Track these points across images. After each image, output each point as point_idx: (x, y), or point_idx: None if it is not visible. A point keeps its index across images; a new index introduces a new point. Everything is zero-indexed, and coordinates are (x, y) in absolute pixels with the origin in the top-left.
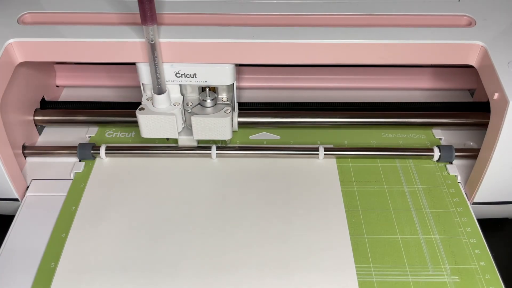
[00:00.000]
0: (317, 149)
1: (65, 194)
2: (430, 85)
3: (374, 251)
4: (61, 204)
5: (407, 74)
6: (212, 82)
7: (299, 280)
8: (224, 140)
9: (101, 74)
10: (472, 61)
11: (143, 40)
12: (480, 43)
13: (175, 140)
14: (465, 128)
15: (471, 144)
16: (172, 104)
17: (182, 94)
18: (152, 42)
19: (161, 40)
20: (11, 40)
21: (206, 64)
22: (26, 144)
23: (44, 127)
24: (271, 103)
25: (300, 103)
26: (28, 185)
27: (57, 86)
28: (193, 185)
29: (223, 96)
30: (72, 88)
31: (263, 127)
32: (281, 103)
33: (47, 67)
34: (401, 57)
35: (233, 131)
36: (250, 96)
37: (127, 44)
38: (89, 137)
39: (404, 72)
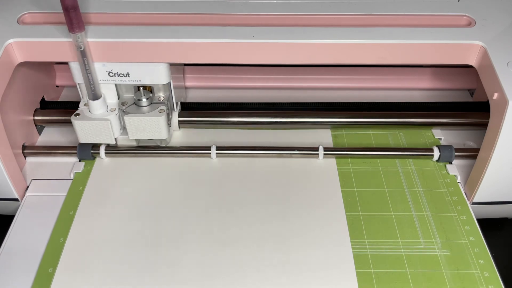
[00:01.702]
0: (317, 149)
1: (65, 194)
2: (430, 85)
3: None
4: (61, 204)
5: (407, 74)
6: (146, 81)
7: (296, 255)
8: (164, 139)
9: None
10: (472, 61)
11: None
12: (479, 43)
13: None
14: (465, 128)
15: (471, 144)
16: (108, 109)
17: (118, 95)
18: (81, 49)
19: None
20: (11, 40)
21: (140, 63)
22: (26, 144)
23: (44, 127)
24: (271, 103)
25: (300, 103)
26: (28, 185)
27: (57, 86)
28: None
29: (159, 95)
30: (72, 88)
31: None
32: (281, 103)
33: (47, 67)
34: (401, 57)
35: (174, 131)
36: (250, 96)
37: (127, 44)
38: None
39: (404, 72)
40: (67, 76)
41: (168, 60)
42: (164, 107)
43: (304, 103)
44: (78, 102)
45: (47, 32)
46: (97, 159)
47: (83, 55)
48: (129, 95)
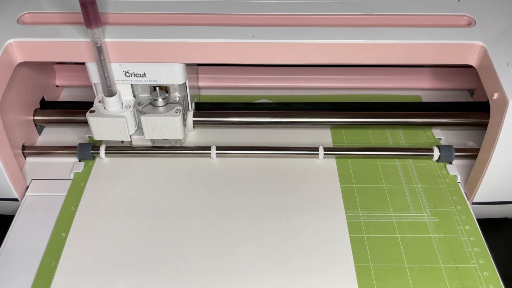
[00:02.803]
0: (317, 149)
1: (65, 194)
2: (430, 85)
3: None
4: (61, 204)
5: (407, 74)
6: (163, 82)
7: (294, 222)
8: (179, 140)
9: None
10: (472, 61)
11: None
12: (479, 43)
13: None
14: (465, 128)
15: (471, 144)
16: (123, 106)
17: (134, 94)
18: (98, 45)
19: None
20: (11, 40)
21: (156, 63)
22: (26, 144)
23: (44, 127)
24: (270, 102)
25: (300, 103)
26: (28, 185)
27: (57, 86)
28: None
29: (175, 95)
30: (72, 88)
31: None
32: (280, 103)
33: (47, 67)
34: (401, 57)
35: (188, 131)
36: (249, 96)
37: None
38: (89, 137)
39: (404, 72)
40: (67, 76)
41: (182, 60)
42: (180, 107)
43: (304, 103)
44: (78, 102)
45: (47, 32)
46: (97, 159)
47: (99, 51)
48: (145, 95)
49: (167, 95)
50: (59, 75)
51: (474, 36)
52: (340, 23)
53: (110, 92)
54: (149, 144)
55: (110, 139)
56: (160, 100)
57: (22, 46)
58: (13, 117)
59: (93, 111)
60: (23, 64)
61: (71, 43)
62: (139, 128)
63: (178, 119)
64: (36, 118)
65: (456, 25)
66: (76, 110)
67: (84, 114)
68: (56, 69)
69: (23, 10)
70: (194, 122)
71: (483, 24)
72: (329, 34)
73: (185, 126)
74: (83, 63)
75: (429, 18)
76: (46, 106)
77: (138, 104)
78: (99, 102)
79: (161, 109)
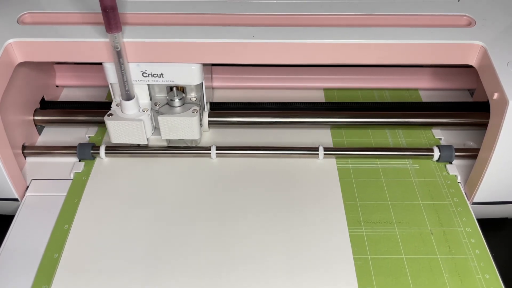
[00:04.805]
0: (317, 149)
1: (65, 194)
2: (430, 85)
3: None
4: (61, 204)
5: (407, 74)
6: (180, 82)
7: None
8: (195, 140)
9: (101, 74)
10: (472, 61)
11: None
12: (479, 43)
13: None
14: (465, 128)
15: (471, 144)
16: (141, 110)
17: (150, 94)
18: (117, 50)
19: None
20: (10, 40)
21: (173, 63)
22: (26, 144)
23: (44, 127)
24: (271, 103)
25: (300, 103)
26: (28, 185)
27: (57, 86)
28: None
29: (191, 96)
30: (72, 88)
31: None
32: (281, 103)
33: (47, 67)
34: (400, 57)
35: (204, 131)
36: (249, 96)
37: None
38: (89, 137)
39: (404, 72)
40: (67, 76)
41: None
42: (197, 107)
43: (304, 103)
44: (78, 102)
45: (47, 32)
46: (97, 159)
47: (119, 55)
48: (161, 96)
49: (184, 95)
50: (59, 75)
51: (474, 36)
52: (340, 23)
53: (128, 96)
54: (165, 144)
55: (128, 142)
56: (177, 100)
57: (22, 46)
58: (13, 117)
59: (111, 114)
60: (23, 64)
61: (70, 43)
62: (157, 129)
63: (195, 119)
64: (36, 118)
65: (456, 25)
66: (76, 110)
67: (84, 114)
68: (56, 69)
69: (23, 10)
70: (210, 122)
71: (483, 24)
72: (329, 34)
73: (201, 126)
74: (83, 63)
75: (429, 18)
76: (46, 106)
77: (155, 104)
78: (117, 105)
79: (178, 109)
